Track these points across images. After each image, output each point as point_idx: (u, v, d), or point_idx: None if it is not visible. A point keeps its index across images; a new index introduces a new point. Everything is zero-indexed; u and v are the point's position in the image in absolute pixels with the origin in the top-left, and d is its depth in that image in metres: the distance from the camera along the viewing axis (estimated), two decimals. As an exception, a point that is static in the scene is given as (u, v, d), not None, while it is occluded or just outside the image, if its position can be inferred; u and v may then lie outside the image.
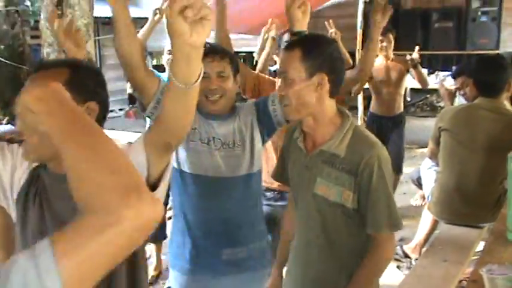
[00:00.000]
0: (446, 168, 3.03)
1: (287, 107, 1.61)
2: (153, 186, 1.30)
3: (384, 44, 4.32)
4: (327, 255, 1.69)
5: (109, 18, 1.71)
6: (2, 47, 5.76)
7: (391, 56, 4.45)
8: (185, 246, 2.08)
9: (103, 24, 7.82)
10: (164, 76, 3.49)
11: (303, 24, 1.98)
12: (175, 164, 2.05)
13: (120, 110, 9.80)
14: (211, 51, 1.97)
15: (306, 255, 1.76)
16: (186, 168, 2.02)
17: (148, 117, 2.00)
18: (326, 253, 1.69)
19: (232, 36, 3.20)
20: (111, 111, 9.57)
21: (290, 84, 1.57)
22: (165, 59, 3.78)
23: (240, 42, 7.25)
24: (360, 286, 1.62)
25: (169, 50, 3.74)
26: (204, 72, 1.88)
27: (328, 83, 1.57)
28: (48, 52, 2.71)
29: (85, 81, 1.34)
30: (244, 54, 9.05)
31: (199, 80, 1.13)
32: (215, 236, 2.05)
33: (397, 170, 4.58)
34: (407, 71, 4.46)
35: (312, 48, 1.60)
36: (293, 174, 1.79)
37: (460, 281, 2.71)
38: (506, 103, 3.00)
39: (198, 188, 2.03)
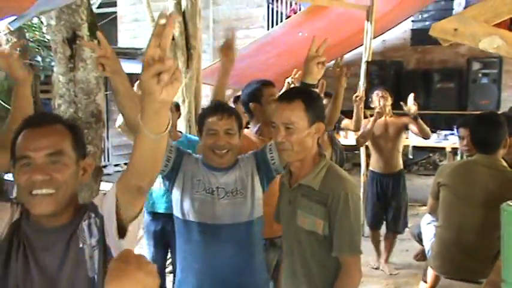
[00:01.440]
0: (445, 223, 3.05)
1: (287, 151, 1.80)
2: (122, 232, 1.38)
3: (380, 99, 4.52)
4: (308, 283, 1.86)
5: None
6: (15, 98, 5.85)
7: (389, 113, 4.58)
8: None
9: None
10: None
11: (315, 79, 2.12)
12: (179, 215, 2.19)
13: (125, 164, 9.87)
14: (220, 110, 2.14)
15: (292, 284, 1.93)
16: (191, 217, 2.14)
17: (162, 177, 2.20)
18: (307, 281, 1.86)
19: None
20: (117, 165, 9.69)
21: (294, 132, 1.77)
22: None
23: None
24: None
25: None
26: (213, 129, 2.11)
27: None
28: (60, 104, 2.82)
29: (82, 139, 1.43)
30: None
31: (167, 131, 1.19)
32: (220, 283, 2.13)
33: (395, 229, 4.67)
34: (406, 128, 4.57)
35: (312, 100, 1.82)
36: (281, 210, 2.00)
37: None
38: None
39: (203, 236, 2.13)
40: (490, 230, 2.90)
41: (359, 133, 4.59)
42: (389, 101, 4.56)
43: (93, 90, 2.86)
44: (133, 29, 10.81)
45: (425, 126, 4.41)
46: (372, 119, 4.47)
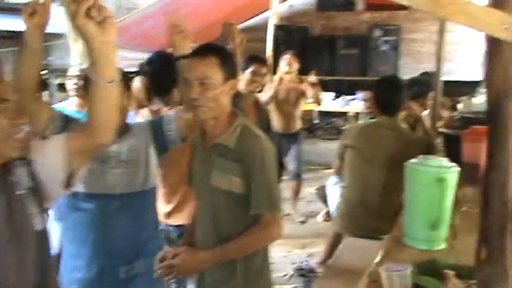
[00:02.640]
0: (350, 184, 3.13)
1: (201, 108, 1.74)
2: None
3: (285, 64, 4.79)
4: (218, 243, 1.81)
5: (9, 32, 1.75)
6: None
7: (294, 78, 4.84)
8: (80, 268, 2.03)
9: (2, 38, 7.40)
10: (65, 108, 3.29)
11: (184, 49, 2.06)
12: None
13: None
14: None
15: (204, 246, 1.88)
16: (80, 188, 1.98)
17: None
18: (218, 242, 1.82)
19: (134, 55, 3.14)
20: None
21: (209, 87, 1.73)
22: (69, 84, 3.55)
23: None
24: (234, 248, 1.78)
25: (74, 76, 3.50)
26: None
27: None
28: None
29: None
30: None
31: (117, 79, 1.29)
32: (111, 255, 2.03)
33: (297, 177, 5.20)
34: (305, 95, 4.86)
35: (226, 56, 1.80)
36: (195, 172, 1.94)
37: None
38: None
39: (93, 207, 2.01)
40: (392, 189, 3.02)
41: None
42: (295, 67, 4.81)
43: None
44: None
45: (319, 94, 4.91)
46: (272, 85, 4.65)
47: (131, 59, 6.91)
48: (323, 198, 3.84)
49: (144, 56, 2.95)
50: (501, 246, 1.10)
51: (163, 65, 2.66)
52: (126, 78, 2.08)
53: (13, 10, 8.88)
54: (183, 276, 1.77)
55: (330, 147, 7.94)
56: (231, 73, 1.78)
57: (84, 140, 1.41)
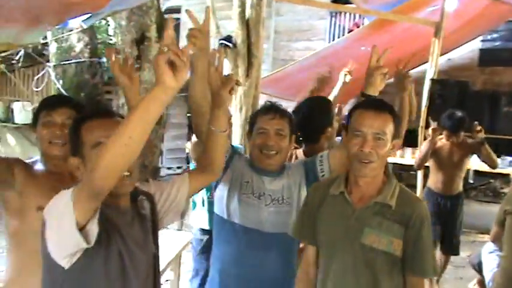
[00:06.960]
0: (510, 253, 2.88)
1: (371, 164, 1.72)
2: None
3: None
4: None
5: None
6: (82, 94, 6.03)
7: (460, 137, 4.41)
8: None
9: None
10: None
11: (377, 90, 2.09)
12: (224, 215, 2.10)
13: (179, 168, 9.75)
14: (273, 110, 2.10)
15: None
16: (236, 219, 2.07)
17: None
18: None
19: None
20: (169, 168, 9.73)
21: (384, 144, 1.72)
22: None
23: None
24: None
25: None
26: (264, 128, 2.07)
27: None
28: (124, 103, 2.87)
29: None
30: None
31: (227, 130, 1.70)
32: None
33: (448, 250, 4.55)
34: (472, 154, 4.43)
35: (395, 113, 1.78)
36: (333, 228, 1.82)
37: None
38: None
39: (247, 241, 2.06)
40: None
41: (416, 156, 4.49)
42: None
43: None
44: (197, 36, 10.91)
45: (493, 155, 4.29)
46: (427, 140, 4.35)
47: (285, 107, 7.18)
48: (477, 266, 3.54)
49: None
50: None
51: (312, 111, 2.66)
52: (293, 124, 2.14)
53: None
54: None
55: (485, 210, 7.40)
56: (396, 133, 1.76)
57: (204, 178, 1.78)
